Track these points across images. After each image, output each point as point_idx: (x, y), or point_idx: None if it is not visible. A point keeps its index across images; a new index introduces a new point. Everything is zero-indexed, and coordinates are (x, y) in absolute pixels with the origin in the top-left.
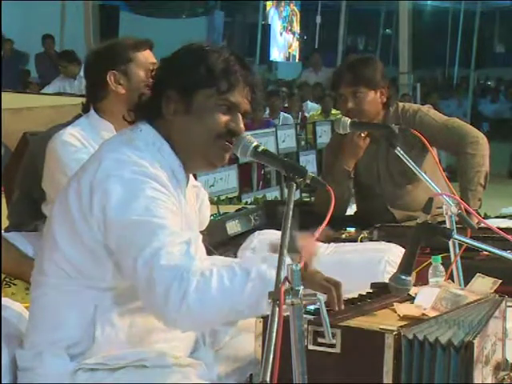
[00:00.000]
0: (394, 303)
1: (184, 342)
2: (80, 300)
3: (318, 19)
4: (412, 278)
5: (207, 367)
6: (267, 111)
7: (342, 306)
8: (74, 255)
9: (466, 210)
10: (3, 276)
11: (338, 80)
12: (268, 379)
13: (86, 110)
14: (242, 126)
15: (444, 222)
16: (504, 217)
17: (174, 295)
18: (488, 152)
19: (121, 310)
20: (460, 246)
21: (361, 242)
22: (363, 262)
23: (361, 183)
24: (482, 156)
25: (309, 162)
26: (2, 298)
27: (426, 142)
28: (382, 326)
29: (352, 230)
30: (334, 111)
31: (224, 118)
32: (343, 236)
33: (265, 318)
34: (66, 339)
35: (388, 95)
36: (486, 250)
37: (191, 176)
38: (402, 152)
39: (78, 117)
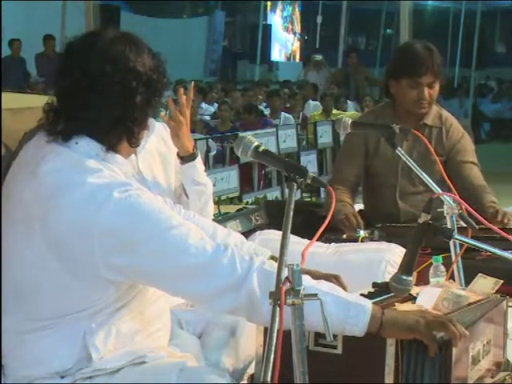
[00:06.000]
0: (396, 303)
1: (165, 329)
2: (68, 332)
3: (319, 19)
4: (413, 278)
5: (197, 359)
6: (268, 111)
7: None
8: (56, 299)
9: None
10: None
11: (419, 67)
12: (269, 379)
13: None
14: None
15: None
16: None
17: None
18: None
19: (105, 324)
20: (461, 246)
21: (361, 242)
22: (364, 262)
23: (375, 178)
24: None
25: (310, 162)
26: None
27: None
28: None
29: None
30: (334, 111)
31: None
32: (344, 236)
33: None
34: (57, 368)
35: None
36: (486, 250)
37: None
38: (402, 152)
39: None
